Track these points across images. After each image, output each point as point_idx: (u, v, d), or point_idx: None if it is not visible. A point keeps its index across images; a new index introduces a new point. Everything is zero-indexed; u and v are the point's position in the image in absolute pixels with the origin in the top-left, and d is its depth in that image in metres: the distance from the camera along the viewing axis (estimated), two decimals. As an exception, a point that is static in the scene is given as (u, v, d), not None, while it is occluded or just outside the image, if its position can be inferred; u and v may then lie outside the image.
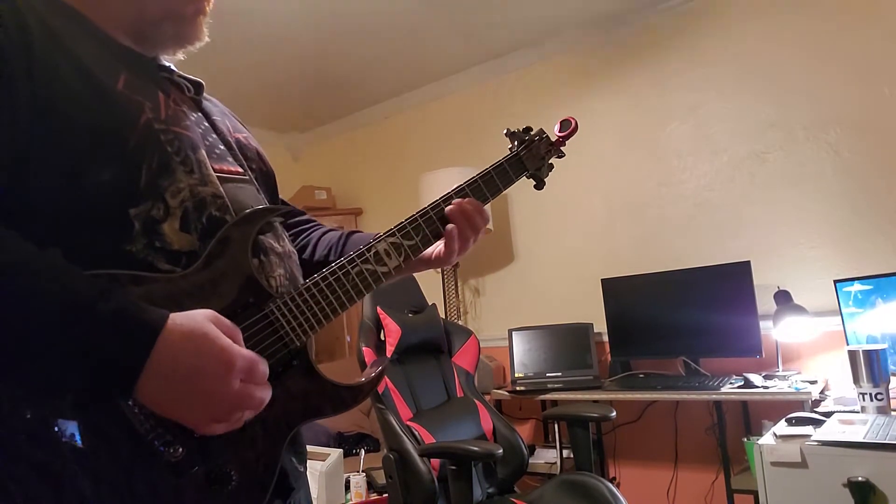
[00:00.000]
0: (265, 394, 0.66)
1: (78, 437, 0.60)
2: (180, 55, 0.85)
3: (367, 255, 0.83)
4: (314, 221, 1.07)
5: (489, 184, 0.94)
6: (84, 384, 0.59)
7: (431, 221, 0.89)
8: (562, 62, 3.19)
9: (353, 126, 4.07)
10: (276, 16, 2.71)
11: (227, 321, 0.66)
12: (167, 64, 0.84)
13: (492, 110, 3.42)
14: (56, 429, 0.60)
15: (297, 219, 1.05)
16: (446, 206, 0.90)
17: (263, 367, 0.66)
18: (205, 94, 0.88)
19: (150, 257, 0.68)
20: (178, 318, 0.62)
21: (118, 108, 0.70)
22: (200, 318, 0.63)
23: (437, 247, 0.94)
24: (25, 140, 0.64)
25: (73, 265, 0.61)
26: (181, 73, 0.85)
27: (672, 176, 2.85)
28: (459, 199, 0.90)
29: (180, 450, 0.64)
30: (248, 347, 0.68)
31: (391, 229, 0.86)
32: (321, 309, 0.78)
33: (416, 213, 0.88)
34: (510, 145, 0.99)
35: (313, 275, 0.80)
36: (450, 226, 0.89)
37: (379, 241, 0.85)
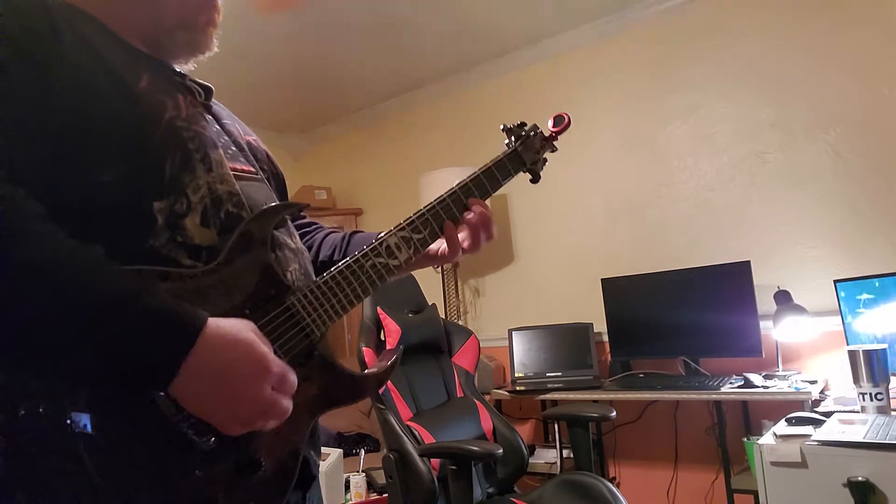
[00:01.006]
0: (290, 404, 0.68)
1: (112, 425, 0.61)
2: (191, 65, 0.88)
3: (380, 248, 0.87)
4: (317, 223, 1.10)
5: (490, 179, 0.96)
6: (122, 378, 0.61)
7: (438, 216, 0.92)
8: (561, 62, 3.19)
9: (353, 126, 4.07)
10: (276, 15, 2.71)
11: (263, 336, 0.68)
12: (180, 70, 0.87)
13: (492, 110, 3.42)
14: (90, 417, 0.61)
15: (299, 221, 1.07)
16: (454, 204, 0.93)
17: (293, 378, 0.68)
18: (213, 100, 0.90)
19: (172, 252, 0.69)
20: (220, 322, 0.64)
21: (143, 105, 0.72)
22: (243, 325, 0.66)
23: (443, 243, 0.96)
24: (54, 130, 0.65)
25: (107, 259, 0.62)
26: (192, 78, 0.88)
27: (672, 176, 2.85)
28: (479, 202, 0.93)
29: (213, 438, 0.66)
30: (271, 339, 0.70)
31: (401, 223, 0.89)
32: (339, 301, 0.81)
33: (424, 207, 0.91)
34: (506, 140, 1.02)
35: (329, 269, 0.83)
36: (449, 223, 0.92)
37: (390, 236, 0.88)
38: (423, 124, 3.73)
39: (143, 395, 0.63)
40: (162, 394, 0.62)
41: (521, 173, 1.03)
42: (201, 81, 0.88)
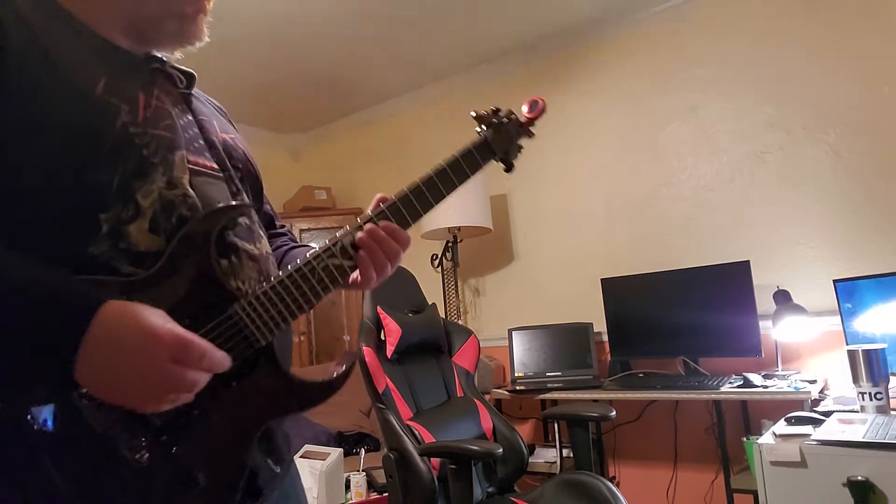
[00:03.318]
0: (198, 376, 0.65)
1: (44, 439, 0.62)
2: (178, 54, 0.85)
3: (334, 249, 0.81)
4: (285, 235, 1.06)
5: (457, 171, 0.89)
6: (26, 368, 0.61)
7: (398, 212, 0.85)
8: (562, 62, 3.19)
9: (353, 126, 4.07)
10: (276, 16, 2.71)
11: (164, 314, 0.66)
12: (159, 55, 0.83)
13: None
14: (23, 431, 0.61)
15: (271, 231, 1.03)
16: (417, 199, 0.87)
17: (199, 349, 0.64)
18: (195, 90, 0.87)
19: (112, 260, 0.68)
20: (113, 303, 0.63)
21: (93, 113, 0.70)
22: (134, 303, 0.64)
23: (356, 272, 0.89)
24: None
25: (12, 253, 0.63)
26: (174, 64, 0.84)
27: (672, 176, 2.85)
28: (372, 226, 0.83)
29: (145, 455, 0.66)
30: None
31: (357, 223, 0.84)
32: (286, 306, 0.77)
33: (383, 204, 0.86)
34: (477, 128, 0.95)
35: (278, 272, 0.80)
36: (361, 252, 0.83)
37: (345, 236, 0.83)
38: (423, 124, 3.73)
39: (56, 389, 0.63)
40: (78, 392, 0.63)
41: (494, 162, 0.96)
42: (183, 67, 0.85)
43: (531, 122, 0.98)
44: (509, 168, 0.96)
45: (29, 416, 0.62)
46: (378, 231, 0.83)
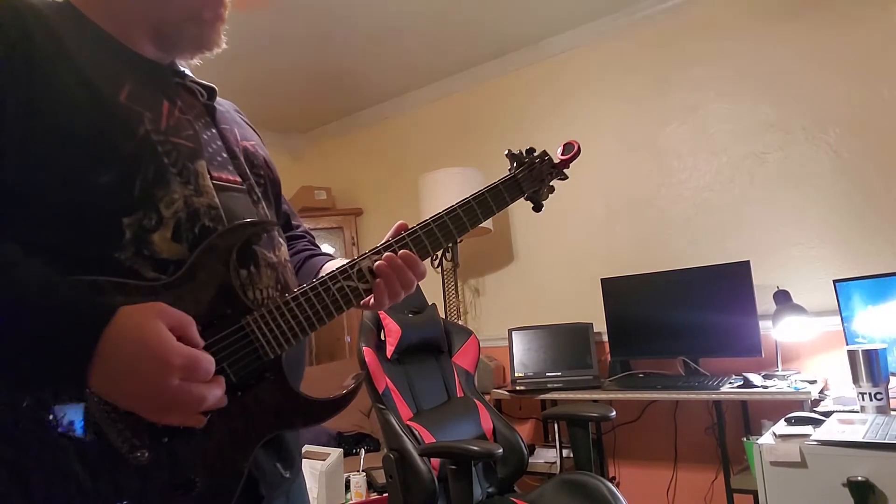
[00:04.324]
0: (208, 391, 0.66)
1: (46, 436, 0.62)
2: (197, 60, 0.87)
3: (351, 272, 0.83)
4: (304, 238, 1.07)
5: (483, 206, 0.91)
6: (41, 375, 0.62)
7: (419, 241, 0.86)
8: (562, 62, 3.19)
9: (353, 126, 4.07)
10: (276, 16, 2.71)
11: (176, 313, 0.66)
12: (182, 69, 0.86)
13: (492, 110, 3.42)
14: (25, 426, 0.62)
15: (288, 233, 1.04)
16: (439, 230, 0.88)
17: (206, 365, 0.66)
18: (218, 100, 0.89)
19: (136, 265, 0.69)
20: (126, 311, 0.63)
21: (116, 119, 0.71)
22: (147, 313, 0.64)
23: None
24: (14, 144, 0.65)
25: (33, 259, 0.64)
26: (195, 78, 0.87)
27: (672, 176, 2.85)
28: (391, 254, 0.84)
29: (146, 454, 0.66)
30: (220, 358, 0.70)
31: (376, 247, 0.86)
32: (298, 323, 0.78)
33: (405, 231, 0.87)
34: (510, 166, 0.96)
35: (294, 289, 0.81)
36: (377, 279, 0.84)
37: (363, 259, 0.84)
38: (423, 124, 3.73)
39: (72, 396, 0.63)
40: (89, 391, 0.63)
41: (522, 201, 0.97)
42: (204, 82, 0.87)
43: (565, 164, 0.99)
44: (538, 208, 0.99)
45: (37, 410, 0.62)
46: (396, 260, 0.84)
